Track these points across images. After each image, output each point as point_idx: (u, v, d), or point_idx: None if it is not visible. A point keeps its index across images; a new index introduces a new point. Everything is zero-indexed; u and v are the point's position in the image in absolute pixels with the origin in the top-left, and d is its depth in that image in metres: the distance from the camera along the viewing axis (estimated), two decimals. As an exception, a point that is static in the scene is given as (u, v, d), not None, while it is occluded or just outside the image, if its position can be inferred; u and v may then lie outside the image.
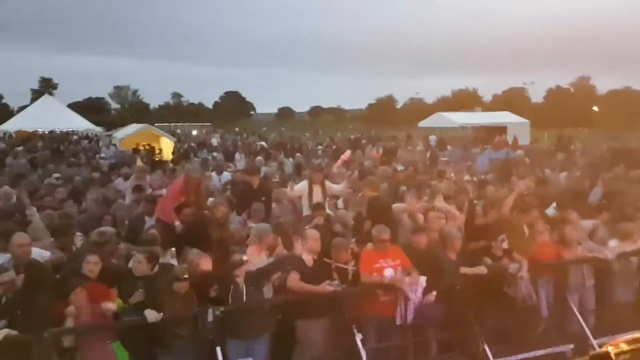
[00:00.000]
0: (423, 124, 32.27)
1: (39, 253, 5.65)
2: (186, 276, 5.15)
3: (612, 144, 19.27)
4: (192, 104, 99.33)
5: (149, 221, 7.23)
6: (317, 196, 7.94)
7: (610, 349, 1.86)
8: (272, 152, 18.46)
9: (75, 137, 26.79)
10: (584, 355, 1.98)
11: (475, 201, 7.30)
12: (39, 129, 28.05)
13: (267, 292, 5.57)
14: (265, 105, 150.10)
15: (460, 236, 6.34)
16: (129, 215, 7.95)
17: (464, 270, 5.97)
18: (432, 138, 21.44)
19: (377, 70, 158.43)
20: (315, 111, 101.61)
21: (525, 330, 6.20)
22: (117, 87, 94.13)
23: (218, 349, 5.05)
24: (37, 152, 19.68)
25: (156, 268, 5.39)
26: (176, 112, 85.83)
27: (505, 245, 6.20)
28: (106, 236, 6.00)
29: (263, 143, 24.76)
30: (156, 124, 38.08)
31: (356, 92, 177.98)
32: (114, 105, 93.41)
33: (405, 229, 6.70)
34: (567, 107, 64.70)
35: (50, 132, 28.01)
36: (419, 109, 65.11)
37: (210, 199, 7.88)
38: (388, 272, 5.73)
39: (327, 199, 8.21)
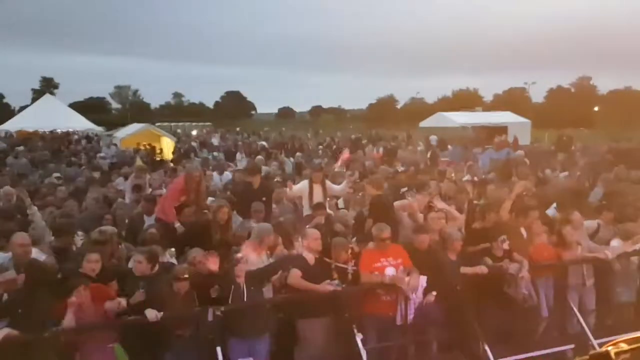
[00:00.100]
0: (424, 123, 32.17)
1: (37, 255, 5.63)
2: (186, 276, 5.15)
3: (612, 144, 19.21)
4: (193, 103, 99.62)
5: (148, 220, 7.24)
6: (318, 196, 7.94)
7: (610, 348, 1.86)
8: (272, 152, 18.48)
9: (75, 136, 26.77)
10: (584, 355, 1.97)
11: (475, 201, 7.28)
12: (39, 129, 28.03)
13: (267, 292, 5.57)
14: (265, 105, 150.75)
15: (461, 237, 6.32)
16: (128, 215, 7.96)
17: (465, 270, 5.96)
18: (433, 138, 21.37)
19: (378, 70, 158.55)
20: (316, 111, 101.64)
21: (525, 330, 6.21)
22: (118, 87, 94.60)
23: (218, 348, 5.05)
24: (37, 151, 19.67)
25: (156, 268, 5.40)
26: (177, 112, 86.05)
27: (505, 245, 6.19)
28: (107, 235, 6.00)
29: (264, 143, 24.76)
30: (157, 124, 38.19)
31: (357, 92, 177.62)
32: (115, 105, 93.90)
33: (406, 228, 6.68)
34: (567, 107, 64.79)
35: (51, 131, 28.00)
36: (419, 108, 64.98)
37: (211, 199, 7.89)
38: (389, 271, 5.70)
39: (328, 198, 8.21)
